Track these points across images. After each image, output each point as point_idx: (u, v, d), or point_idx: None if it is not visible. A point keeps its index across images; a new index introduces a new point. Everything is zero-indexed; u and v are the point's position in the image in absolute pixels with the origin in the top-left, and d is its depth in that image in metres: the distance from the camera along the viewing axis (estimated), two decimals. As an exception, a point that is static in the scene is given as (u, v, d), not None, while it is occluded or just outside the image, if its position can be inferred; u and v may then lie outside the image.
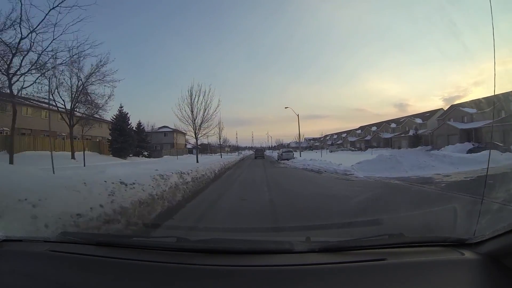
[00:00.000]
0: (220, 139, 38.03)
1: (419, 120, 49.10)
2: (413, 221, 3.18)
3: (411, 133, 46.36)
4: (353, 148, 55.69)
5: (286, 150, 29.21)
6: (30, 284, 1.00)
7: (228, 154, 46.85)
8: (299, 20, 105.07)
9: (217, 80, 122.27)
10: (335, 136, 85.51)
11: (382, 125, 57.26)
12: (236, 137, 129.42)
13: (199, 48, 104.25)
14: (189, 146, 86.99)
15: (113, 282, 1.01)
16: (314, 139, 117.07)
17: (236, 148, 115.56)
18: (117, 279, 1.03)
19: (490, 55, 1.19)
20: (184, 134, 61.47)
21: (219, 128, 40.74)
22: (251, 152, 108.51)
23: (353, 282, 0.95)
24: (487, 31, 1.28)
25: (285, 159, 24.63)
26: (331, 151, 50.49)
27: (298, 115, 32.95)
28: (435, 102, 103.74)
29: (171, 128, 51.49)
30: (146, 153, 33.12)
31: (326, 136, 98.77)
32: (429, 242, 1.29)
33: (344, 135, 79.67)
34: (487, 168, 2.05)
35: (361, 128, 69.08)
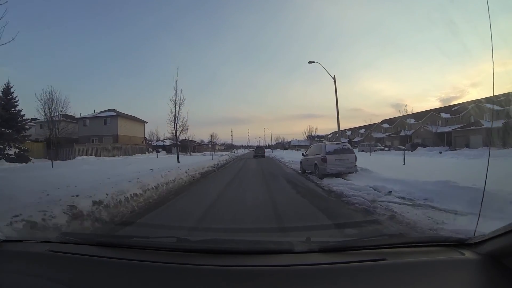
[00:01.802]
0: (175, 123, 16.19)
1: (494, 107, 28.86)
2: None
3: (487, 124, 33.39)
4: (401, 147, 34.68)
5: (342, 146, 10.90)
6: (30, 284, 1.06)
7: (214, 154, 38.89)
8: (296, 19, 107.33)
9: (214, 79, 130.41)
10: (348, 133, 64.84)
11: (427, 116, 46.82)
12: (231, 135, 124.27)
13: (195, 45, 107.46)
14: (159, 142, 62.79)
15: (113, 282, 1.08)
16: (318, 136, 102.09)
17: (230, 147, 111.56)
18: (117, 279, 1.09)
19: (489, 56, 1.26)
20: (143, 122, 40.90)
21: (176, 102, 20.01)
22: (246, 151, 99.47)
23: (353, 282, 1.00)
24: (486, 31, 1.26)
25: (334, 173, 9.78)
26: (362, 151, 36.61)
27: (334, 78, 10.79)
28: (431, 102, 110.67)
29: (115, 112, 30.56)
30: (12, 152, 10.75)
31: (335, 132, 78.35)
32: (429, 242, 1.34)
33: (362, 130, 58.84)
34: (487, 168, 1.64)
35: (387, 121, 59.42)
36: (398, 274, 1.03)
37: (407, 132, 46.47)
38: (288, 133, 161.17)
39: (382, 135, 56.50)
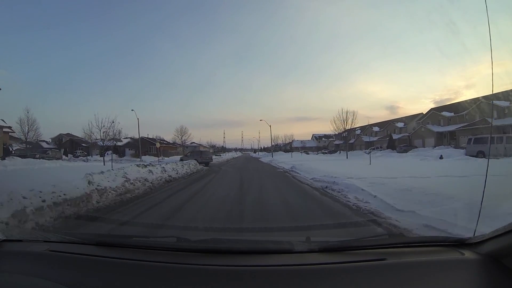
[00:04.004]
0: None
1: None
2: None
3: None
4: None
5: None
6: (30, 284, 1.04)
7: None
8: (288, 19, 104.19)
9: (208, 81, 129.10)
10: (376, 129, 41.25)
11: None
12: (224, 137, 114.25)
13: (189, 47, 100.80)
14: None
15: (113, 282, 1.05)
16: (326, 136, 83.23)
17: (220, 149, 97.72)
18: (117, 279, 1.07)
19: (486, 56, 1.28)
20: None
21: None
22: (237, 154, 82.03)
23: (353, 282, 0.99)
24: (485, 31, 1.30)
25: None
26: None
27: None
28: (426, 104, 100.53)
29: None
30: None
31: (353, 129, 56.05)
32: (429, 242, 1.31)
33: (400, 124, 35.20)
34: (487, 167, 1.58)
35: (447, 108, 38.48)
36: (398, 274, 1.01)
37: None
38: (283, 136, 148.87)
39: (447, 128, 35.63)
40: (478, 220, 1.37)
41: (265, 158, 40.64)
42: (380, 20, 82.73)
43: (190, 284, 0.98)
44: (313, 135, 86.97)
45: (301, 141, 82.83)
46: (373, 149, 44.04)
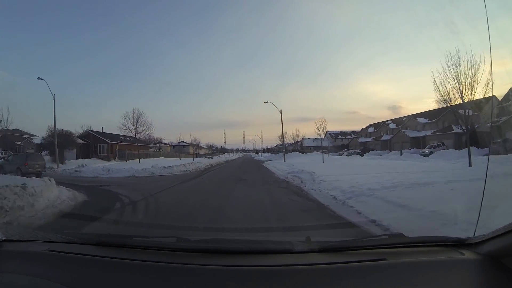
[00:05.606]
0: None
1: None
2: None
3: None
4: None
5: None
6: (30, 284, 1.04)
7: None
8: (291, 21, 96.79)
9: (211, 81, 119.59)
10: (423, 120, 24.13)
11: None
12: (224, 137, 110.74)
13: (189, 47, 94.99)
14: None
15: (113, 282, 1.05)
16: (342, 133, 70.76)
17: (219, 150, 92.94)
18: (117, 279, 1.07)
19: (488, 55, 0.61)
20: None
21: None
22: (236, 155, 75.12)
23: (353, 282, 0.99)
24: (483, 32, 0.96)
25: None
26: None
27: None
28: (428, 104, 79.10)
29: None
30: None
31: (382, 122, 40.64)
32: (429, 242, 1.29)
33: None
34: (487, 167, 1.71)
35: None
36: (398, 274, 1.01)
37: None
38: (294, 132, 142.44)
39: None
40: (478, 221, 1.36)
41: (273, 162, 26.92)
42: (381, 23, 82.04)
43: (190, 284, 0.97)
44: (327, 132, 73.65)
45: (313, 139, 69.03)
46: (433, 147, 30.41)
